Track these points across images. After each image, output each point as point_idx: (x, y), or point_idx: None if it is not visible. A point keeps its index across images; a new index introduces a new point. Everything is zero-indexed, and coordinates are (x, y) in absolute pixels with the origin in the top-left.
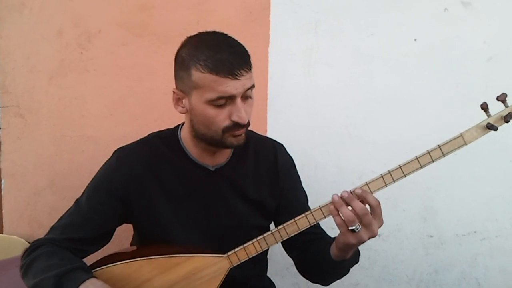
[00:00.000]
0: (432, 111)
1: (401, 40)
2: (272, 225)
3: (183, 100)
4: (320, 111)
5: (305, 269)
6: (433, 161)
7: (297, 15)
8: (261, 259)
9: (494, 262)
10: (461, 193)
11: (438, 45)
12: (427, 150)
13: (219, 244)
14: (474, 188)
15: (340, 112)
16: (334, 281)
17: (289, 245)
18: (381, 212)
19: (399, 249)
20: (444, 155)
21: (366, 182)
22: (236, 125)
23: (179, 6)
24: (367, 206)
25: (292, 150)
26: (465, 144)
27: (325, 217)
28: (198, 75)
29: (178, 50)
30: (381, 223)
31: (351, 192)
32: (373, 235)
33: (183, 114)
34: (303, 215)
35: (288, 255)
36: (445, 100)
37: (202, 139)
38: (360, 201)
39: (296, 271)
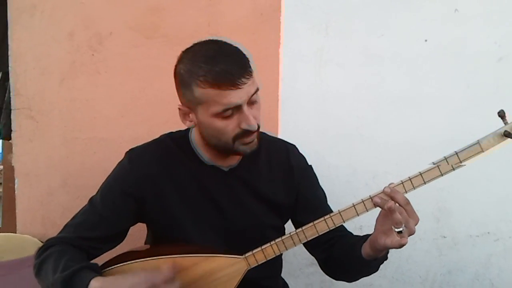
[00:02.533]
0: (443, 112)
1: (411, 41)
2: (288, 225)
3: (190, 115)
4: (331, 112)
5: (331, 268)
6: (454, 169)
7: (308, 16)
8: (276, 260)
9: (508, 263)
10: (474, 194)
11: (448, 45)
12: (444, 157)
13: (234, 244)
14: (488, 189)
15: (351, 113)
16: (361, 278)
17: (311, 243)
18: (412, 209)
19: (413, 249)
20: (461, 162)
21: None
22: (246, 132)
23: (189, 8)
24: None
25: (304, 151)
26: (482, 151)
27: (344, 222)
28: (200, 91)
29: (176, 66)
30: (416, 220)
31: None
32: (411, 233)
33: None
34: (322, 219)
35: (310, 252)
36: (456, 101)
37: (214, 148)
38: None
39: (310, 271)
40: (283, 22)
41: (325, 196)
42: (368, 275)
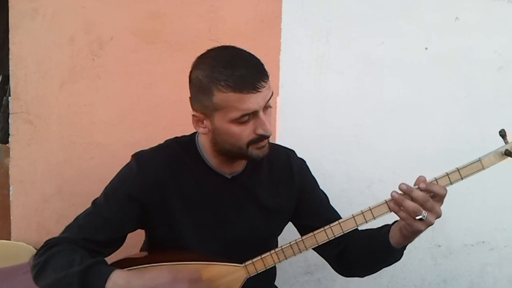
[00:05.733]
0: (441, 120)
1: (411, 49)
2: (286, 231)
3: (204, 121)
4: (329, 119)
5: (347, 263)
6: (451, 183)
7: (308, 24)
8: (271, 268)
9: (503, 272)
10: (469, 203)
11: (448, 54)
12: (446, 172)
13: (233, 252)
14: (483, 198)
15: (349, 121)
16: (381, 269)
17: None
18: (433, 205)
19: (407, 258)
20: (462, 178)
21: (385, 200)
22: (261, 137)
23: (190, 14)
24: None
25: (301, 157)
26: (483, 168)
27: (343, 232)
28: (220, 96)
29: (191, 73)
30: (441, 204)
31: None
32: (438, 216)
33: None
34: (322, 229)
35: (318, 253)
36: (455, 109)
37: (225, 154)
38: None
39: (304, 280)
40: (283, 29)
41: (327, 198)
42: (391, 264)
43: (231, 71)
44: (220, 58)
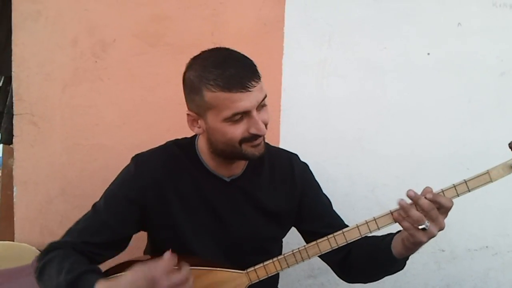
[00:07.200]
0: (444, 125)
1: (414, 54)
2: (290, 237)
3: (199, 121)
4: (332, 123)
5: (349, 269)
6: (458, 195)
7: (311, 28)
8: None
9: (506, 277)
10: (473, 208)
11: (451, 59)
12: (453, 184)
13: (233, 254)
14: (486, 203)
15: (352, 125)
16: (384, 277)
17: None
18: (437, 215)
19: (411, 263)
20: (469, 191)
21: (390, 211)
22: (254, 136)
23: (193, 17)
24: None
25: (304, 161)
26: (491, 181)
27: (347, 242)
28: (210, 95)
29: (185, 73)
30: (446, 216)
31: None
32: (441, 228)
33: None
34: (325, 238)
35: (322, 259)
36: (458, 114)
37: (221, 155)
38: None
39: (308, 283)
40: (286, 33)
41: (330, 202)
42: (393, 273)
43: (221, 71)
44: (212, 59)
